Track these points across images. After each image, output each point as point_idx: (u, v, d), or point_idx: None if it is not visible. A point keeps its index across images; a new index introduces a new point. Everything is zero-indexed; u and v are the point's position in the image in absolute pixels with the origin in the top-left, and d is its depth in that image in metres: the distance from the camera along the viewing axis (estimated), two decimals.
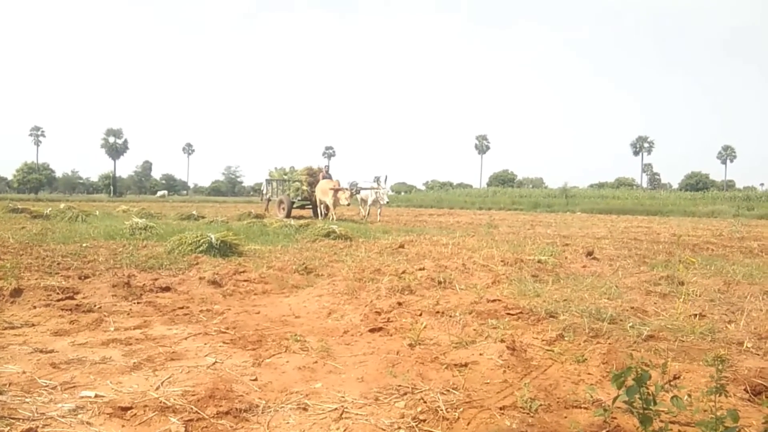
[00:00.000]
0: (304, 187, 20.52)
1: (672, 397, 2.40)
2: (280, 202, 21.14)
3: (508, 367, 3.41)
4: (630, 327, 4.29)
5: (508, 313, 4.78)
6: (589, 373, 3.26)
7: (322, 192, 19.07)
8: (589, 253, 9.11)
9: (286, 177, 21.48)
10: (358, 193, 19.59)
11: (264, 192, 23.73)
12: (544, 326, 4.27)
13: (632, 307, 5.06)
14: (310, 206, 21.39)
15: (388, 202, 19.63)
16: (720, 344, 3.96)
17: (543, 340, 3.85)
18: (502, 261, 7.96)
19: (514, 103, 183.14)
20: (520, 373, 3.34)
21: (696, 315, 4.80)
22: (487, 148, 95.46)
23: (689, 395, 2.61)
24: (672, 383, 2.88)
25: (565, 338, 3.93)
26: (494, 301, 5.29)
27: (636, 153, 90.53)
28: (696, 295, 5.77)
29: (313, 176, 20.81)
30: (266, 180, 23.05)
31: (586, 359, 3.46)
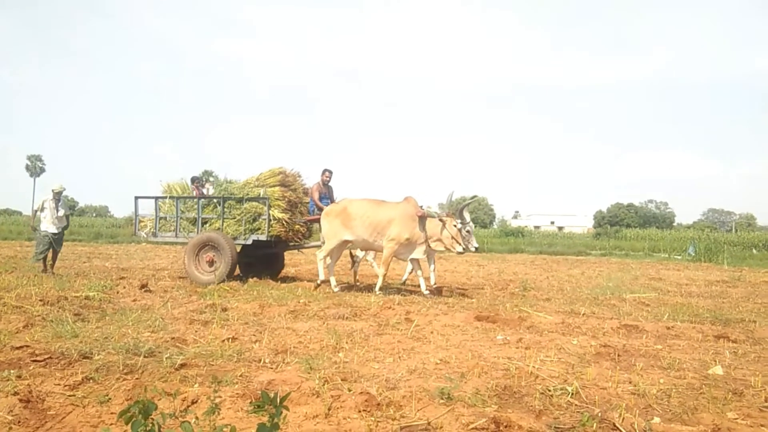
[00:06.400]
0: (279, 211, 10.15)
1: (182, 423, 2.57)
2: (203, 245, 10.18)
3: (19, 422, 3.05)
4: (166, 358, 4.41)
5: (35, 360, 4.30)
6: (112, 413, 3.19)
7: (406, 221, 9.06)
8: (143, 286, 8.99)
9: (221, 189, 10.77)
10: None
11: (141, 223, 11.22)
12: (73, 370, 3.99)
13: (173, 338, 5.22)
14: (290, 245, 11.01)
15: (477, 248, 9.50)
16: (244, 363, 4.44)
17: (66, 386, 3.58)
18: (41, 300, 7.13)
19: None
20: (33, 426, 3.03)
21: (229, 338, 5.28)
22: (42, 170, 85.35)
23: (197, 418, 2.83)
24: (188, 409, 3.09)
25: (94, 379, 3.76)
26: (21, 347, 4.69)
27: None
28: (234, 319, 6.34)
29: (290, 187, 10.72)
30: (155, 200, 11.00)
31: (110, 398, 3.38)
